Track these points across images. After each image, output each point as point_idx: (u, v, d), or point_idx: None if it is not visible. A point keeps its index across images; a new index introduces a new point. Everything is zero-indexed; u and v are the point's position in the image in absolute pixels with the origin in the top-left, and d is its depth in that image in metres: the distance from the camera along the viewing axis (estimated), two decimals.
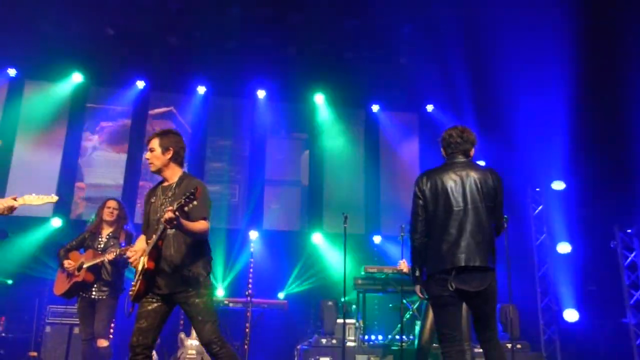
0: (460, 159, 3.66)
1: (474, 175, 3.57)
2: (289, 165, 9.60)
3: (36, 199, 3.80)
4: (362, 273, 6.85)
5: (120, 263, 5.17)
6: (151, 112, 9.41)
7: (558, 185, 8.57)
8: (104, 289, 5.18)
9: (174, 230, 3.41)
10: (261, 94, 9.51)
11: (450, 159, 3.69)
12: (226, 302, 7.13)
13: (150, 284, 3.48)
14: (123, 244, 5.23)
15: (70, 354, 6.27)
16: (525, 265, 8.15)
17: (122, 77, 9.14)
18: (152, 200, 3.69)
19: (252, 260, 7.12)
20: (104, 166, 9.15)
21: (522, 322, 7.06)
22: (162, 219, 3.28)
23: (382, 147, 9.74)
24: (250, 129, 9.51)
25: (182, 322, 6.62)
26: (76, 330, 6.22)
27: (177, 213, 3.22)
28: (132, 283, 3.52)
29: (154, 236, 3.46)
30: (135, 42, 8.89)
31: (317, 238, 9.13)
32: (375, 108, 9.78)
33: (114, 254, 4.99)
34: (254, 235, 8.68)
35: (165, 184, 3.71)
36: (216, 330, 3.49)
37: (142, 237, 3.70)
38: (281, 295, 8.54)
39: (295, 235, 9.25)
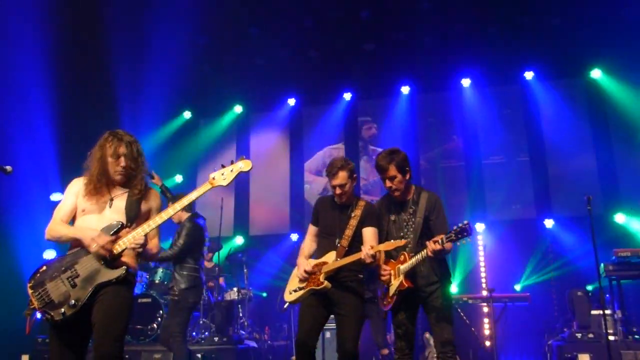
0: None
1: None
2: (506, 150, 9.05)
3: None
4: (613, 258, 6.26)
5: None
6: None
7: None
8: None
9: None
10: (466, 82, 9.20)
11: None
12: (465, 298, 7.00)
13: (405, 298, 3.65)
14: None
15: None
16: None
17: (330, 94, 9.62)
18: (393, 219, 3.76)
19: (481, 253, 6.95)
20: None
21: None
22: (429, 250, 3.39)
23: (612, 116, 8.58)
24: (461, 119, 9.23)
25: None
26: (328, 334, 6.59)
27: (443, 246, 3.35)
28: (388, 295, 3.70)
29: (405, 255, 3.61)
30: (335, 56, 9.33)
31: (549, 223, 8.48)
32: (596, 73, 8.71)
33: None
34: (480, 227, 8.45)
35: (402, 199, 3.74)
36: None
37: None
38: (517, 287, 8.12)
39: (523, 222, 8.69)
